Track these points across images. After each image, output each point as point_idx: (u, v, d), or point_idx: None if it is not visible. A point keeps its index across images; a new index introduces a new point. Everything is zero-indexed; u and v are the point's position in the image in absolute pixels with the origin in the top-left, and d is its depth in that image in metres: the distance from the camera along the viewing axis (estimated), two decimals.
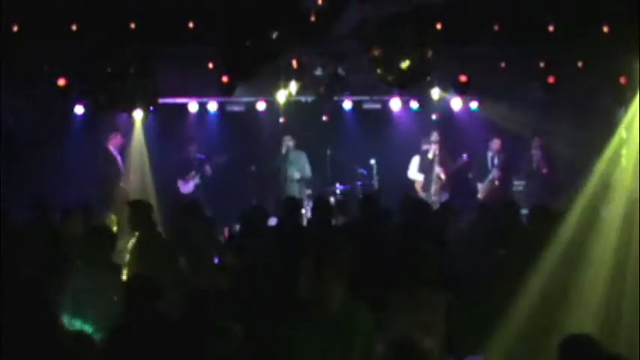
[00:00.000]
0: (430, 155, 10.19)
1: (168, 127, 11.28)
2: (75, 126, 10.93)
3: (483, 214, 6.64)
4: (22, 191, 9.32)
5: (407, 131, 11.08)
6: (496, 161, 10.19)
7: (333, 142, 10.75)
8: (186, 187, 10.70)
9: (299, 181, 10.29)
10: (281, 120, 10.69)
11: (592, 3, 7.85)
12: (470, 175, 10.33)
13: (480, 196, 10.07)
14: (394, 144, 10.87)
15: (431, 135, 10.26)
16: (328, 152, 10.81)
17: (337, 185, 10.50)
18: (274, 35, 7.50)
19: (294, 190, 10.14)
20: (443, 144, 10.25)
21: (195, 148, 10.82)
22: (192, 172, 10.65)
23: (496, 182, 10.04)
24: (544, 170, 10.10)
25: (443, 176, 10.14)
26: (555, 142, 10.57)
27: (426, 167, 10.22)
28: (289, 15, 7.59)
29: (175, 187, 10.68)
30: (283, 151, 10.36)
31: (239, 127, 11.40)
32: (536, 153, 10.23)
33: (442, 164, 10.15)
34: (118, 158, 10.00)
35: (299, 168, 10.31)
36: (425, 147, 10.31)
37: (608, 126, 10.15)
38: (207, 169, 10.66)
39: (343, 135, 10.61)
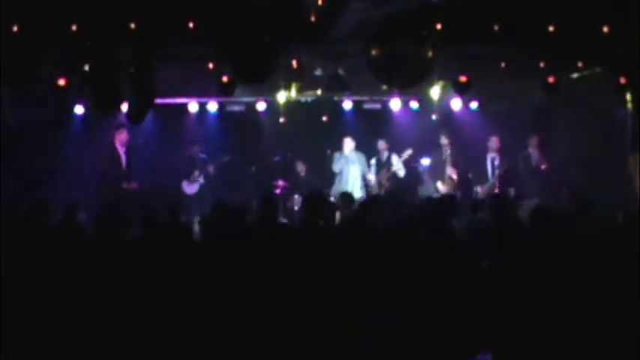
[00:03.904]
0: (442, 156, 10.20)
1: (168, 127, 11.31)
2: (75, 126, 10.95)
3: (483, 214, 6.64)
4: (22, 191, 9.34)
5: (407, 131, 11.08)
6: (497, 163, 10.16)
7: (333, 142, 10.75)
8: (191, 188, 10.70)
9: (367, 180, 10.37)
10: (281, 120, 10.70)
11: (592, 3, 7.84)
12: (470, 176, 10.31)
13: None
14: (394, 144, 10.86)
15: (440, 137, 10.25)
16: (328, 152, 10.81)
17: None
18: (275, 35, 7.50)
19: (356, 188, 10.08)
20: (455, 145, 10.26)
21: (198, 149, 10.83)
22: (196, 173, 10.66)
23: (495, 189, 10.01)
24: (542, 167, 10.06)
25: (455, 177, 10.12)
26: (555, 141, 10.56)
27: (438, 168, 10.21)
28: (289, 15, 7.58)
29: (177, 186, 10.69)
30: (346, 151, 10.27)
31: (239, 127, 11.42)
32: (534, 152, 10.20)
33: (454, 165, 10.13)
34: (123, 157, 9.79)
35: (361, 168, 10.29)
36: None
37: (608, 126, 10.18)
38: (210, 168, 10.67)
39: (343, 135, 10.60)
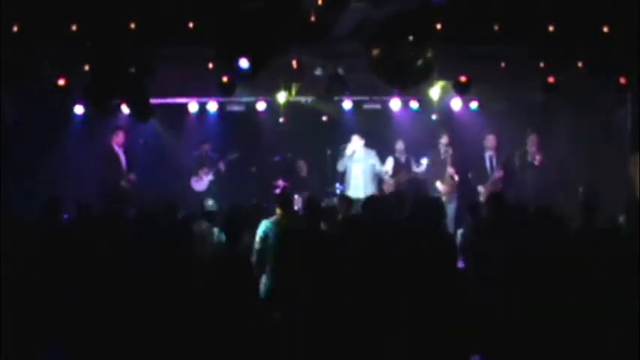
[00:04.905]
0: (442, 156, 10.15)
1: (168, 127, 11.31)
2: (75, 126, 10.94)
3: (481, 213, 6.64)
4: (22, 191, 9.35)
5: (407, 131, 11.06)
6: (495, 161, 10.13)
7: (333, 142, 10.73)
8: (200, 184, 10.71)
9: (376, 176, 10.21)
10: (281, 120, 10.69)
11: (592, 3, 7.84)
12: (470, 176, 10.27)
13: (482, 198, 9.95)
14: (394, 144, 10.84)
15: (441, 137, 10.20)
16: (328, 152, 10.80)
17: (337, 185, 10.49)
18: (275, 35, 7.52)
19: (359, 187, 9.98)
20: (455, 145, 10.20)
21: (208, 147, 10.83)
22: (205, 169, 10.68)
23: (499, 184, 9.95)
24: (536, 162, 10.00)
25: (456, 177, 10.07)
26: (555, 141, 10.55)
27: (437, 168, 10.17)
28: (289, 15, 7.59)
29: (182, 184, 10.67)
30: (348, 151, 10.16)
31: (239, 127, 11.40)
32: (531, 149, 10.13)
33: (454, 165, 10.08)
34: (122, 157, 9.92)
35: (366, 166, 10.14)
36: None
37: (608, 126, 10.18)
38: (222, 165, 10.67)
39: (343, 135, 10.61)
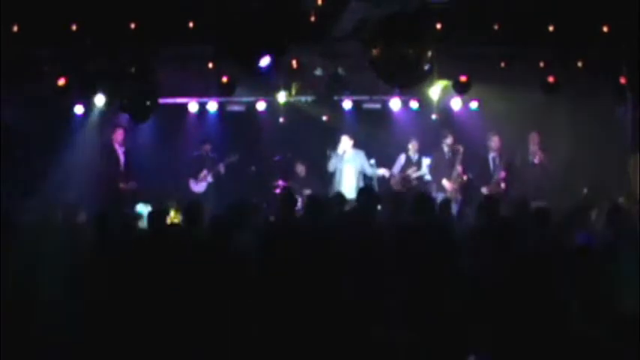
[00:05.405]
0: (446, 156, 10.12)
1: (168, 127, 11.30)
2: (75, 126, 10.93)
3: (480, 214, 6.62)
4: (21, 191, 9.35)
5: (407, 131, 11.06)
6: (498, 161, 10.11)
7: (333, 142, 10.74)
8: (199, 186, 10.67)
9: (369, 178, 10.20)
10: (281, 120, 10.68)
11: (592, 3, 7.85)
12: (470, 176, 10.25)
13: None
14: (394, 144, 10.85)
15: (445, 137, 10.18)
16: (328, 152, 10.80)
17: None
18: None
19: (349, 187, 9.84)
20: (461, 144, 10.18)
21: (209, 147, 10.79)
22: (205, 172, 10.64)
23: (502, 184, 9.92)
24: (537, 156, 9.97)
25: (465, 177, 10.04)
26: (555, 141, 10.54)
27: (442, 167, 10.15)
28: (289, 15, 7.60)
29: (182, 184, 10.68)
30: (340, 151, 10.15)
31: (239, 127, 11.40)
32: (533, 148, 10.10)
33: (464, 164, 10.05)
34: (121, 157, 9.79)
35: (356, 166, 10.14)
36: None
37: (608, 126, 10.17)
38: (221, 168, 10.63)
39: (343, 135, 10.60)
